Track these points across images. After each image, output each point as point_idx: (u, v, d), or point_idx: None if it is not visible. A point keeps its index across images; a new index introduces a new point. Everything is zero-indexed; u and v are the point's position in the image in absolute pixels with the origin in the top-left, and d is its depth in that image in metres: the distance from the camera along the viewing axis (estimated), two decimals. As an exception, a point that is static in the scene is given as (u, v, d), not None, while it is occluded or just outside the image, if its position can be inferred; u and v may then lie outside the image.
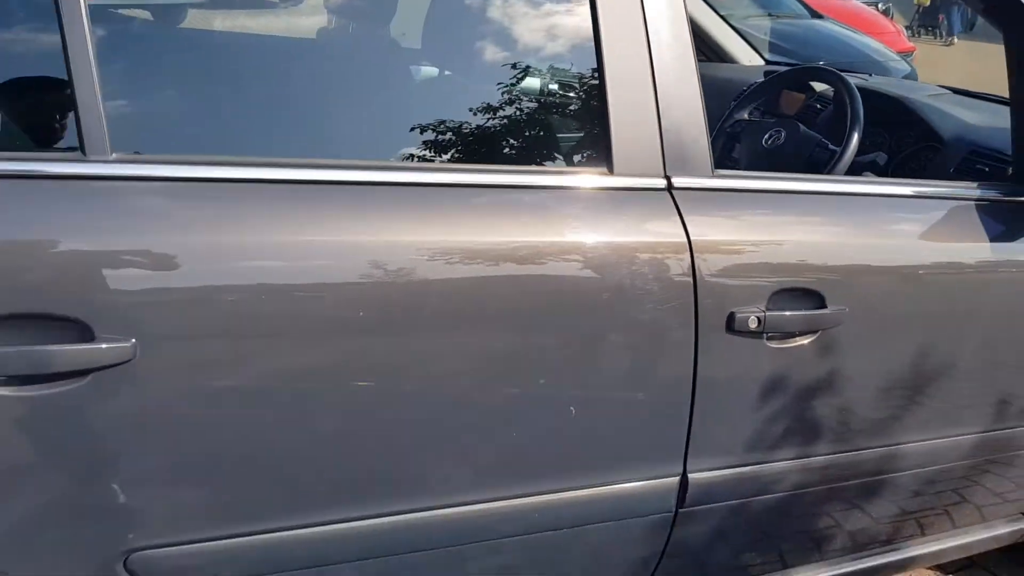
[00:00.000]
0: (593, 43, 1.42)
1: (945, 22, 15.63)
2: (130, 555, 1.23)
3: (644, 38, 1.44)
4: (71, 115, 1.15)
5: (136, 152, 1.20)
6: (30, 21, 1.26)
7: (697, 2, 3.06)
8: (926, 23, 16.14)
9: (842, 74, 2.20)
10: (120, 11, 1.81)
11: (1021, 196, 1.82)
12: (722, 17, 3.15)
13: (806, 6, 8.77)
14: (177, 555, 1.25)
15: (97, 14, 1.17)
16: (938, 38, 15.86)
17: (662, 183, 1.46)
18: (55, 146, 1.26)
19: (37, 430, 1.14)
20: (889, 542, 1.97)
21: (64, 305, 1.12)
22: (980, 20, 18.36)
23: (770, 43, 6.32)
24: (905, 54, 9.46)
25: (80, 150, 1.15)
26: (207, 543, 1.26)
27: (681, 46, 1.46)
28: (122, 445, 1.19)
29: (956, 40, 15.38)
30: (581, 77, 1.57)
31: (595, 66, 1.42)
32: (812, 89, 2.51)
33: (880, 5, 13.35)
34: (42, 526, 1.18)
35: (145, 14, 1.98)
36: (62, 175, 1.15)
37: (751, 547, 1.77)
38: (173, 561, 1.25)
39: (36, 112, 1.29)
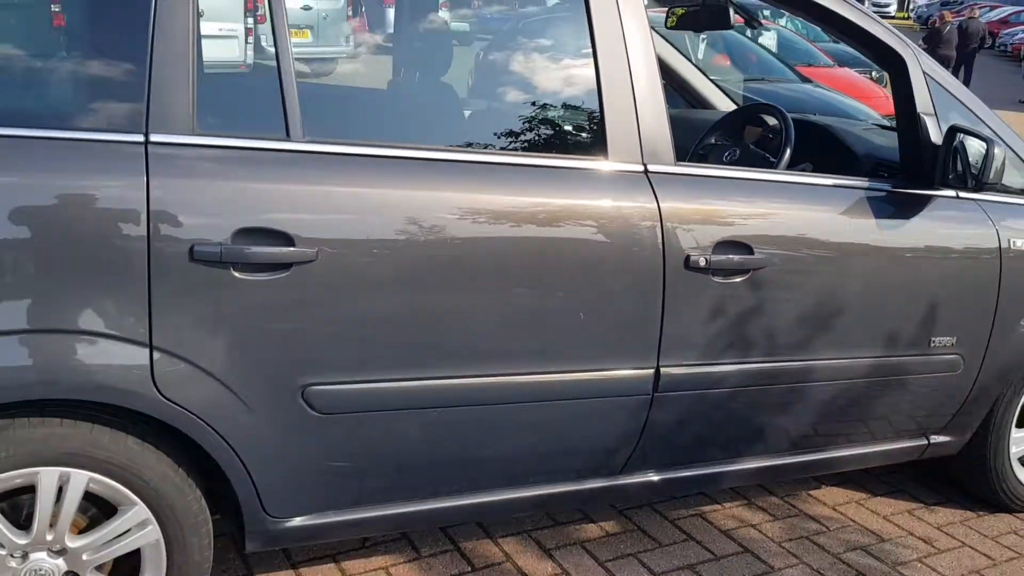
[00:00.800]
0: (594, 76, 2.19)
1: None
2: (306, 388, 1.96)
3: (628, 76, 2.21)
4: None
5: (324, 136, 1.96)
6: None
7: (687, 65, 3.88)
8: None
9: (782, 109, 2.98)
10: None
11: (903, 188, 2.58)
12: (703, 73, 3.95)
13: (796, 72, 9.72)
14: (337, 390, 1.98)
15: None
16: None
17: (640, 168, 2.22)
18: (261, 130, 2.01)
19: (265, 300, 1.87)
20: (817, 444, 2.68)
21: (278, 221, 1.87)
22: (973, 86, 19.59)
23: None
24: (891, 116, 10.40)
25: (285, 134, 1.92)
26: (354, 384, 1.99)
27: (652, 78, 2.23)
28: (307, 312, 1.92)
29: None
30: (587, 98, 2.32)
31: (596, 89, 2.19)
32: (767, 124, 3.27)
33: (874, 73, 14.40)
34: (247, 371, 1.90)
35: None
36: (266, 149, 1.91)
37: (709, 433, 2.48)
38: (341, 393, 1.98)
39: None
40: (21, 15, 2.16)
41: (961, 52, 19.25)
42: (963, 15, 20.93)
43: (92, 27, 1.86)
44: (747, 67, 9.82)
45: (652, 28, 2.30)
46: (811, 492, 3.14)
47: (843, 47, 15.09)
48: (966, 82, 19.63)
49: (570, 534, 2.78)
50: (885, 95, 11.41)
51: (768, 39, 12.66)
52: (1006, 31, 31.94)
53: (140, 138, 1.79)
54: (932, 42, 17.85)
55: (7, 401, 1.74)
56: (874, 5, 50.32)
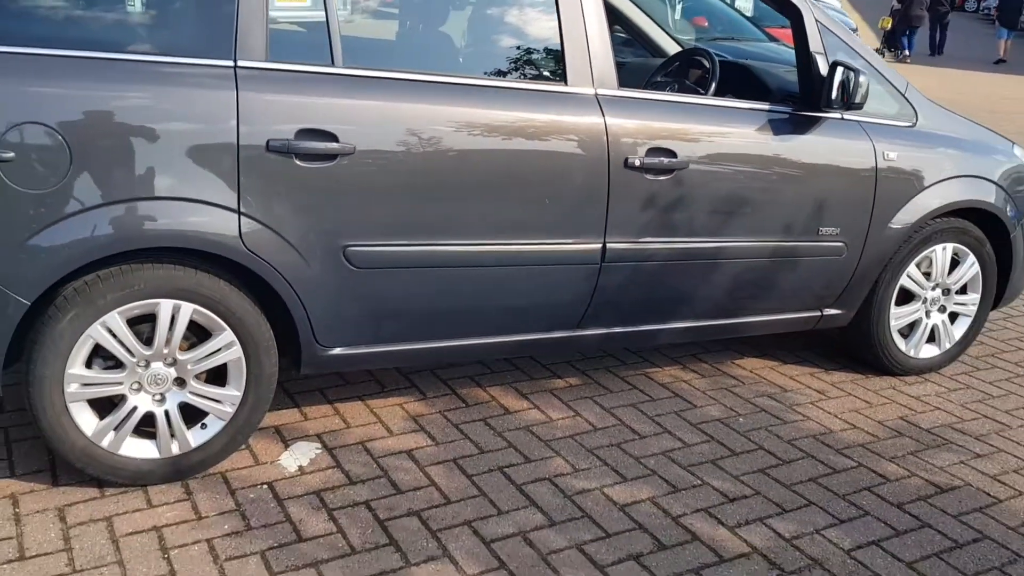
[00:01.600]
0: (557, 25, 2.93)
1: (905, 42, 18.03)
2: (346, 248, 2.72)
3: (583, 25, 2.95)
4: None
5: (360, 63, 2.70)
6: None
7: (648, 21, 4.60)
8: (890, 44, 18.56)
9: (711, 52, 3.72)
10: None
11: (799, 112, 3.34)
12: (660, 27, 4.68)
13: (765, 33, 10.47)
14: (371, 251, 2.74)
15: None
16: (898, 58, 18.25)
17: (592, 92, 2.97)
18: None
19: (317, 182, 2.62)
20: (732, 311, 3.47)
21: (327, 124, 2.61)
22: (947, 47, 20.32)
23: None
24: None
25: (331, 62, 2.66)
26: (387, 247, 2.75)
27: (602, 27, 2.97)
28: (346, 192, 2.67)
29: (910, 59, 17.79)
30: (552, 41, 3.05)
31: (559, 35, 2.93)
32: (704, 65, 4.01)
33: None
34: (305, 234, 2.65)
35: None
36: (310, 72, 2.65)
37: (645, 297, 3.26)
38: (371, 253, 2.74)
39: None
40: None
41: (933, 14, 20.02)
42: None
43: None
44: (722, 28, 10.61)
45: None
46: (734, 360, 3.93)
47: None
48: (941, 42, 20.45)
49: (542, 384, 3.57)
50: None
51: (744, 3, 13.50)
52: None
53: (231, 63, 2.53)
54: (904, 2, 18.59)
55: (141, 247, 2.49)
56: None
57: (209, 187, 2.52)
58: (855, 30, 14.00)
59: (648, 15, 4.70)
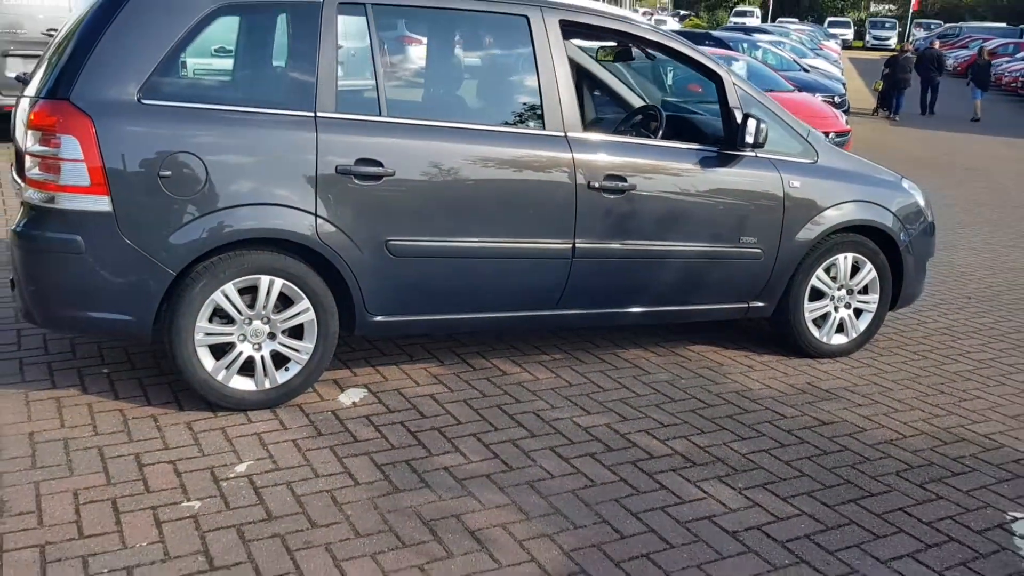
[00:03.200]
0: (536, 83, 4.12)
1: (894, 103, 19.66)
2: (387, 242, 3.87)
3: (555, 83, 4.13)
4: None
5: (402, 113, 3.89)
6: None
7: (618, 83, 5.81)
8: (883, 104, 20.16)
9: (658, 108, 4.89)
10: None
11: (724, 151, 4.50)
12: (629, 88, 5.87)
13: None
14: (405, 245, 3.89)
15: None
16: (889, 117, 19.86)
17: (562, 134, 4.14)
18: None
19: (368, 195, 3.79)
20: (676, 300, 4.58)
21: (376, 155, 3.79)
22: (938, 107, 21.66)
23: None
24: (842, 134, 12.44)
25: (379, 112, 3.85)
26: (416, 242, 3.90)
27: (568, 84, 4.16)
28: (389, 202, 3.83)
29: (898, 118, 19.51)
30: (533, 96, 4.22)
31: (538, 90, 4.12)
32: (655, 117, 5.16)
33: (836, 98, 16.51)
34: (360, 231, 3.80)
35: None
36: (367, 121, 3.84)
37: (606, 286, 4.38)
38: (405, 246, 3.89)
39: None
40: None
41: (924, 77, 21.48)
42: (934, 46, 23.18)
43: (292, 52, 3.81)
44: (713, 92, 11.92)
45: (594, 57, 4.26)
46: (685, 346, 5.03)
47: (812, 77, 17.31)
48: (931, 103, 21.79)
49: (532, 357, 4.68)
50: (835, 115, 13.44)
51: (739, 68, 14.85)
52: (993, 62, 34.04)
53: (311, 114, 3.73)
54: (892, 66, 20.06)
55: (250, 238, 3.66)
56: (875, 39, 53.04)
57: (296, 197, 3.70)
58: (841, 103, 15.46)
59: (623, 80, 5.92)
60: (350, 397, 4.07)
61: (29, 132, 3.50)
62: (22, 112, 3.73)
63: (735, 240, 4.55)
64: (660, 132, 4.71)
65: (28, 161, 3.51)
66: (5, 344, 4.41)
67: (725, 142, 4.55)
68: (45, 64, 3.86)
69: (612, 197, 4.22)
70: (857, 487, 3.52)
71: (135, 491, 3.18)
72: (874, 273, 4.97)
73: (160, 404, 3.87)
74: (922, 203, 5.16)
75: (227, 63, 4.63)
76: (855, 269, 4.95)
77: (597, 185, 4.16)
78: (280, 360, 3.87)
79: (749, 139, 4.40)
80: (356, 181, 3.77)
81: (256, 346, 3.81)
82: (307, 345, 3.89)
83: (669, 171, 4.36)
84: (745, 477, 3.55)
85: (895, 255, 5.01)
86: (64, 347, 4.39)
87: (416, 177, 3.87)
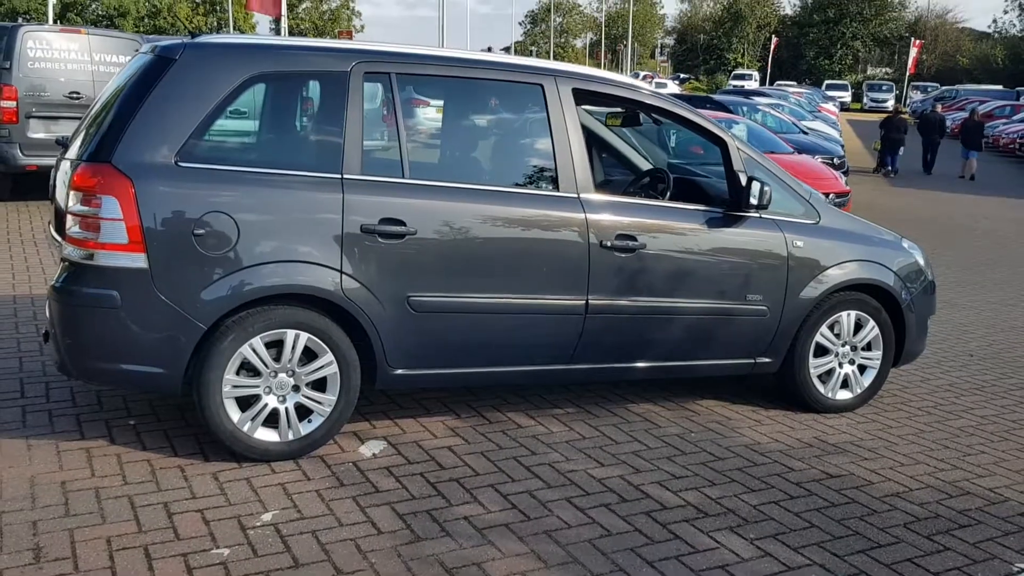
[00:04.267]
0: (551, 147, 4.31)
1: (889, 160, 20.52)
2: (409, 297, 4.03)
3: (568, 147, 4.33)
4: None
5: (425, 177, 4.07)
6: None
7: (625, 146, 6.02)
8: (882, 163, 20.94)
9: (666, 171, 5.09)
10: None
11: (729, 212, 4.67)
12: (636, 151, 6.08)
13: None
14: (425, 300, 4.04)
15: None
16: (888, 176, 20.66)
17: (576, 195, 4.33)
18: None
19: (392, 252, 3.95)
20: (685, 356, 4.71)
21: (398, 214, 3.96)
22: (936, 167, 22.07)
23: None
24: (841, 195, 12.71)
25: (402, 175, 4.04)
26: (436, 298, 4.06)
27: (581, 148, 4.35)
28: (410, 259, 4.00)
29: (893, 176, 20.38)
30: (547, 160, 4.42)
31: (552, 154, 4.31)
32: (663, 179, 5.35)
33: (835, 159, 16.87)
34: (382, 287, 3.96)
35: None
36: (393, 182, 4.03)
37: (618, 342, 4.52)
38: (425, 301, 4.04)
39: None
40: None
41: (925, 138, 22.03)
42: (936, 109, 23.81)
43: (320, 118, 4.00)
44: (714, 154, 12.25)
45: (603, 122, 4.47)
46: (694, 400, 5.14)
47: (811, 139, 17.70)
48: (932, 162, 22.20)
49: (546, 411, 4.80)
50: (835, 176, 13.72)
51: (739, 130, 15.23)
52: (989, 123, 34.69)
53: (338, 175, 3.91)
54: (887, 127, 20.61)
55: (273, 295, 3.81)
56: (872, 101, 54.01)
57: (322, 254, 3.86)
58: (840, 164, 15.83)
59: (629, 144, 6.13)
60: (370, 449, 4.18)
61: (71, 192, 3.68)
62: (63, 174, 3.92)
63: (742, 297, 4.70)
64: (668, 194, 4.90)
65: (69, 220, 3.69)
66: (35, 396, 4.55)
67: (731, 204, 4.73)
68: (85, 129, 4.06)
69: (623, 256, 4.38)
70: (866, 538, 3.61)
71: (166, 538, 3.29)
72: (877, 330, 5.11)
73: (186, 455, 3.98)
74: (922, 262, 5.32)
75: (253, 125, 4.86)
76: (858, 326, 5.09)
77: (609, 244, 4.33)
78: (303, 412, 4.00)
79: (754, 201, 4.58)
80: (380, 239, 3.93)
81: (281, 398, 3.94)
82: (330, 397, 4.01)
83: (677, 231, 4.54)
84: (756, 528, 3.64)
85: (897, 313, 5.15)
86: (91, 399, 4.52)
87: (437, 236, 4.04)
